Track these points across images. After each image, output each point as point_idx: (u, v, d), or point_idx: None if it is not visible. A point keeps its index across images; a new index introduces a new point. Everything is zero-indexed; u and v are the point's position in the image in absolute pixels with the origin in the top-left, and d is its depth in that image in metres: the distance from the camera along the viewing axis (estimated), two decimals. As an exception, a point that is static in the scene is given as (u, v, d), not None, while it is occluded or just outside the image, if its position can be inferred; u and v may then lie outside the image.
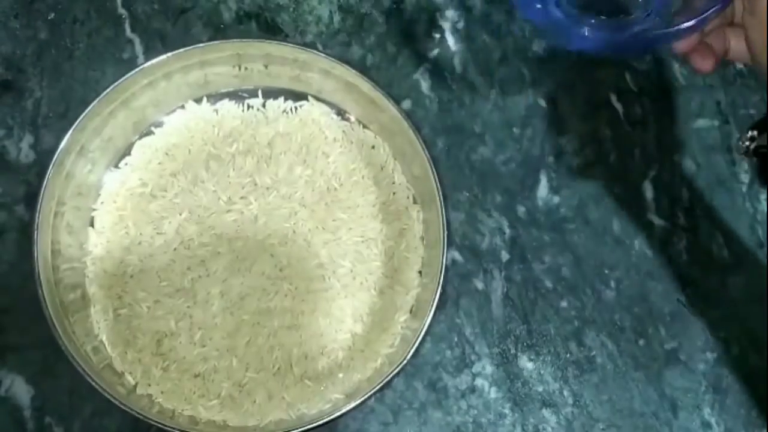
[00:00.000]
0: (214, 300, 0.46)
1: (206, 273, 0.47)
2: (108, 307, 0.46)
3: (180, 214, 0.48)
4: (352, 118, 0.51)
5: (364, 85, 0.47)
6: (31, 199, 0.47)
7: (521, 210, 0.52)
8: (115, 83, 0.45)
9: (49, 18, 0.53)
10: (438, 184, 0.45)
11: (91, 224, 0.48)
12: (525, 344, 0.50)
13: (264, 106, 0.51)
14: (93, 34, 0.53)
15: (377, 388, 0.42)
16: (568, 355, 0.50)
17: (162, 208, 0.48)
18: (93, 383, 0.40)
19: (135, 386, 0.45)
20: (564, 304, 0.51)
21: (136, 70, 0.46)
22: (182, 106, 0.50)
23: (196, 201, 0.48)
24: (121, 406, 0.40)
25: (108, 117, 0.47)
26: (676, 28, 0.45)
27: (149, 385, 0.45)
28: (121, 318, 0.46)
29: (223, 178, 0.48)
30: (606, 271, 0.51)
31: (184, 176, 0.48)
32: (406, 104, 0.53)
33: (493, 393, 0.49)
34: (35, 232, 0.43)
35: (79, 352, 0.42)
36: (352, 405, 0.42)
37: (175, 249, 0.47)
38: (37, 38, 0.52)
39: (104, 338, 0.46)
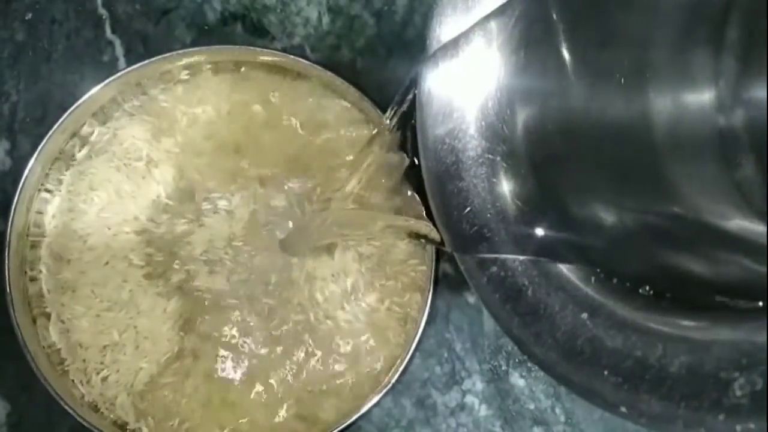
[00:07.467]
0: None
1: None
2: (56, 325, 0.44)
3: (109, 229, 0.45)
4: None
5: (352, 94, 0.45)
6: (6, 208, 0.46)
7: (514, 221, 0.50)
8: (95, 88, 0.44)
9: (26, 18, 0.51)
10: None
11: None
12: (517, 360, 0.48)
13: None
14: (72, 36, 0.51)
15: (365, 410, 0.41)
16: (561, 372, 0.48)
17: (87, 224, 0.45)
18: (65, 406, 0.39)
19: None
20: (557, 318, 0.49)
21: (117, 75, 0.44)
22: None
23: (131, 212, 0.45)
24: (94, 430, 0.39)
25: (87, 123, 0.45)
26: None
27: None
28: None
29: None
30: (601, 285, 0.50)
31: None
32: (397, 110, 0.51)
33: (483, 410, 0.47)
34: (7, 244, 0.42)
35: (51, 371, 0.41)
36: (340, 427, 0.41)
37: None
38: (13, 40, 0.50)
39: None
